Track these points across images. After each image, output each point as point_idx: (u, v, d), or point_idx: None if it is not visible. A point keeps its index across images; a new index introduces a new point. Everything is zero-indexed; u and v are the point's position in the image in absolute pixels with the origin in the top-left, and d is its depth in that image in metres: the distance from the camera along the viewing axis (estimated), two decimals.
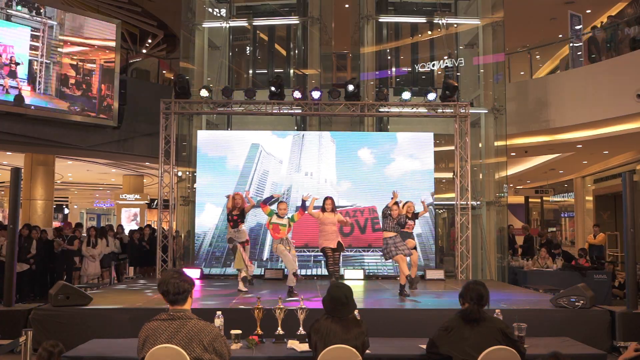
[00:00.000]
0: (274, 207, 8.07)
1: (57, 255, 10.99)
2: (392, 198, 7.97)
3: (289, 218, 7.85)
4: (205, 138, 11.06)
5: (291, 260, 7.69)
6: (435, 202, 10.97)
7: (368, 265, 10.58)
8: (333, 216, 8.16)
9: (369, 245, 10.76)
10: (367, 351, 3.69)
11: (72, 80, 12.10)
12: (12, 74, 11.27)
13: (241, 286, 8.16)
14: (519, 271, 11.06)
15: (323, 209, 8.20)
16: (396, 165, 10.92)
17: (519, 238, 13.84)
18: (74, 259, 11.10)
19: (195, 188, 11.00)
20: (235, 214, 8.12)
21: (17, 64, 11.31)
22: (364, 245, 10.80)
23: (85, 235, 11.75)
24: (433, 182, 10.85)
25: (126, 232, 13.45)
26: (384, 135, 11.55)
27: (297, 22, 12.59)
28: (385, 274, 10.49)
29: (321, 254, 8.33)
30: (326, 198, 8.25)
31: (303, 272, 10.24)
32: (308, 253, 10.57)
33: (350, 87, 10.51)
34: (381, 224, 8.04)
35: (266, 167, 10.95)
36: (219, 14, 12.96)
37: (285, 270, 8.61)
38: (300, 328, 4.59)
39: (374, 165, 10.91)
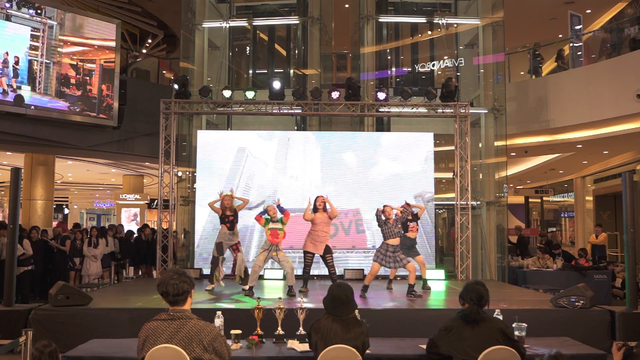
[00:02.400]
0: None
1: (56, 256, 11.01)
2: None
3: (280, 221, 7.80)
4: (205, 138, 11.05)
5: (291, 274, 7.77)
6: (435, 202, 10.95)
7: (352, 267, 10.43)
8: (325, 216, 8.11)
9: (352, 247, 10.78)
10: (367, 351, 3.69)
11: (72, 80, 12.10)
12: (14, 74, 11.27)
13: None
14: (519, 271, 11.06)
15: (315, 209, 8.14)
16: (380, 169, 10.86)
17: (512, 238, 13.85)
18: (72, 259, 11.08)
19: (195, 188, 11.00)
20: (229, 214, 8.10)
21: (17, 63, 11.31)
22: (348, 247, 10.83)
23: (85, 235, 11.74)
24: (431, 181, 10.73)
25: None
26: (369, 135, 11.39)
27: (297, 22, 12.59)
28: (383, 273, 10.44)
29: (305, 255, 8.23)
30: (317, 197, 8.19)
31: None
32: (293, 254, 10.37)
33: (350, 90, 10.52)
34: (382, 234, 7.84)
35: (252, 170, 10.88)
36: (219, 14, 12.97)
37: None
38: (300, 328, 4.59)
39: (357, 168, 10.88)
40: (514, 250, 13.05)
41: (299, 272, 8.69)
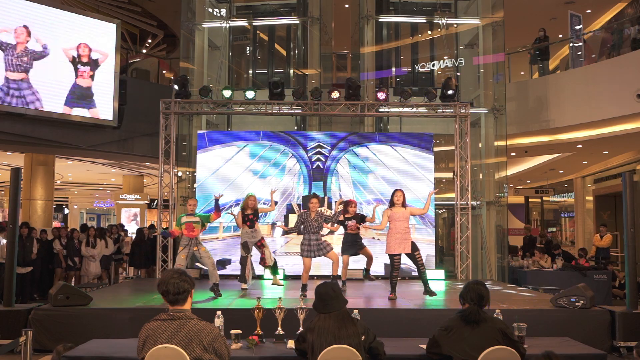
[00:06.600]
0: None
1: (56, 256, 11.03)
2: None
3: (200, 217, 7.70)
4: (205, 138, 11.03)
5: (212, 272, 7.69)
6: (435, 202, 10.92)
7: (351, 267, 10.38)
8: (404, 211, 7.32)
9: None
10: None
11: None
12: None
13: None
14: (519, 271, 11.06)
15: (392, 204, 7.41)
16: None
17: (519, 238, 13.81)
18: (73, 260, 11.09)
19: (195, 188, 11.00)
20: (250, 213, 8.07)
21: None
22: None
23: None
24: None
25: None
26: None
27: (297, 22, 12.59)
28: (381, 273, 10.46)
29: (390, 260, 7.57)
30: (396, 190, 7.41)
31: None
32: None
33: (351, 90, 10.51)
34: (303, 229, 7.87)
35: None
36: (219, 14, 12.96)
37: (285, 271, 8.60)
38: (300, 328, 4.59)
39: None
40: (517, 251, 13.00)
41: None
